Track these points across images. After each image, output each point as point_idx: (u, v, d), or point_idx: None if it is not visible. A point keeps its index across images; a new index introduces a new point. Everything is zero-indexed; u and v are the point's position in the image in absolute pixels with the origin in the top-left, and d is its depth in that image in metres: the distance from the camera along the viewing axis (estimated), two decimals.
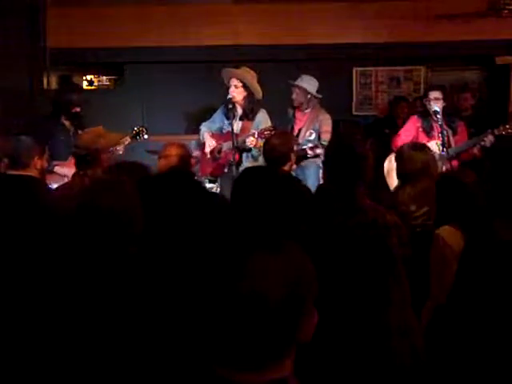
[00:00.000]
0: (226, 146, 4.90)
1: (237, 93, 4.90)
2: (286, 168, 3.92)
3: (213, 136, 5.12)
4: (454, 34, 6.69)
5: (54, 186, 5.03)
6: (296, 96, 5.40)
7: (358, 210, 2.09)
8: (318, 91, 5.53)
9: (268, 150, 3.95)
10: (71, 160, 5.29)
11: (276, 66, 6.92)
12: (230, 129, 4.86)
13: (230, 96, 4.88)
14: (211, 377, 1.11)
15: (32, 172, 3.39)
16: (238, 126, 4.96)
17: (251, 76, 5.01)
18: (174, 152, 3.85)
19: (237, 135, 4.85)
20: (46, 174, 4.79)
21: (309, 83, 5.53)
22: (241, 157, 4.95)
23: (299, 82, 5.49)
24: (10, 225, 2.93)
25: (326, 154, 3.05)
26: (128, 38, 6.74)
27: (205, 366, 1.12)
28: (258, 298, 1.07)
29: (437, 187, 2.91)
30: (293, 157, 4.01)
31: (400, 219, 2.71)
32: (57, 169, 5.20)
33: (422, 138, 5.10)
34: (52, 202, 3.29)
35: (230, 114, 4.89)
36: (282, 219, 2.09)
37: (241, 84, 4.90)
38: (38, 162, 3.42)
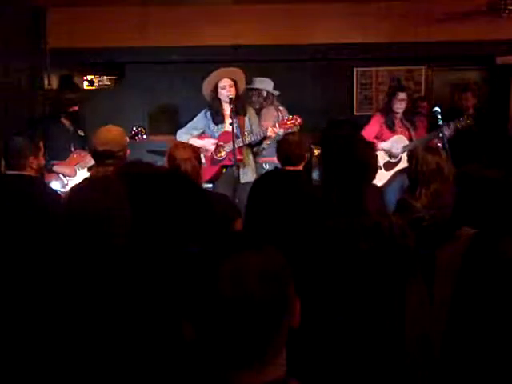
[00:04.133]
0: (229, 146, 4.87)
1: (232, 92, 4.94)
2: (300, 167, 3.91)
3: (204, 137, 5.10)
4: (454, 33, 6.67)
5: (54, 183, 5.05)
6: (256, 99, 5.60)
7: (361, 212, 2.08)
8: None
9: (284, 149, 3.93)
10: (71, 159, 5.31)
11: (276, 66, 6.92)
12: (222, 131, 4.91)
13: (230, 96, 4.89)
14: (208, 377, 1.11)
15: (28, 172, 3.39)
16: (234, 124, 4.97)
17: (239, 72, 5.07)
18: (180, 156, 3.80)
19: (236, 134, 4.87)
20: (45, 174, 4.79)
21: (261, 84, 5.69)
22: (243, 155, 4.96)
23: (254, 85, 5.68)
24: (6, 223, 2.95)
25: (329, 155, 3.03)
26: (128, 38, 6.73)
27: (200, 367, 1.12)
28: (240, 297, 1.08)
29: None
30: (306, 156, 4.03)
31: (412, 225, 2.69)
32: (56, 168, 5.20)
33: (386, 134, 5.52)
34: (50, 200, 3.29)
35: (218, 118, 4.96)
36: (294, 222, 2.10)
37: (233, 83, 4.95)
38: (34, 162, 3.42)
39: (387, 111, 5.54)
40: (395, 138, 5.43)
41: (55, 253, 1.94)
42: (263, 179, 2.39)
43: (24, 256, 2.38)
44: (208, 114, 5.07)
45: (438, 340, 2.07)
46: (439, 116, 5.16)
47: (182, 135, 5.17)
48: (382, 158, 5.47)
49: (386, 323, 1.86)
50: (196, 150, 3.73)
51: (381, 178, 5.41)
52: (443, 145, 5.03)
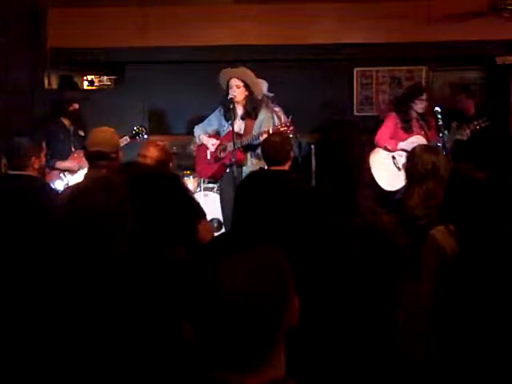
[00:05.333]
0: (231, 146, 4.87)
1: (238, 93, 4.89)
2: (286, 167, 3.91)
3: (211, 137, 5.12)
4: (454, 34, 6.68)
5: (57, 183, 5.06)
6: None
7: (354, 212, 2.09)
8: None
9: (268, 149, 3.94)
10: (72, 157, 5.31)
11: (276, 66, 6.92)
12: (228, 130, 4.88)
13: (231, 96, 4.87)
14: (205, 380, 1.11)
15: (30, 172, 3.42)
16: (240, 125, 4.96)
17: (252, 75, 5.02)
18: (150, 153, 3.87)
19: (240, 135, 4.86)
20: (47, 173, 4.81)
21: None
22: (245, 156, 4.96)
23: None
24: (8, 223, 2.95)
25: (324, 158, 3.05)
26: (128, 38, 6.75)
27: (199, 368, 1.12)
28: (238, 295, 1.07)
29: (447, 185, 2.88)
30: (292, 155, 4.02)
31: (406, 224, 2.69)
32: (58, 164, 5.20)
33: (401, 135, 5.46)
34: (51, 200, 3.29)
35: (229, 115, 4.90)
36: (285, 223, 2.10)
37: (242, 84, 4.90)
38: (36, 162, 3.45)
39: (404, 111, 5.50)
40: (413, 138, 5.37)
41: (56, 252, 1.94)
42: (248, 180, 2.40)
43: (25, 255, 2.39)
44: (222, 110, 5.06)
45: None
46: (439, 116, 5.17)
47: (198, 130, 5.20)
48: (400, 161, 5.41)
49: (381, 321, 1.87)
50: (163, 151, 3.81)
51: (402, 179, 5.33)
52: (443, 145, 5.03)
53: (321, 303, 1.86)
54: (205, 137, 5.08)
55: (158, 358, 1.69)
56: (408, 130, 5.46)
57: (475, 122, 5.34)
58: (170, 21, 6.80)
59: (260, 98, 5.10)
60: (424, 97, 5.45)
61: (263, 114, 5.00)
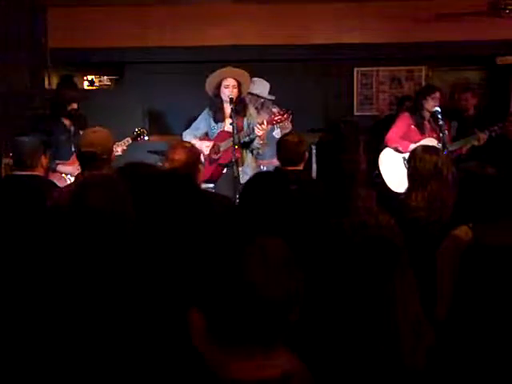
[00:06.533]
0: (225, 145, 4.89)
1: (234, 92, 4.93)
2: (301, 167, 3.89)
3: (202, 139, 5.11)
4: (455, 33, 6.69)
5: (58, 184, 5.04)
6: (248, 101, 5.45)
7: (349, 211, 2.11)
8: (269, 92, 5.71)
9: (284, 149, 3.92)
10: (74, 159, 5.29)
11: (276, 66, 6.92)
12: (219, 131, 4.94)
13: (230, 96, 4.88)
14: (209, 374, 1.11)
15: (39, 171, 3.38)
16: (233, 124, 4.97)
17: (246, 74, 5.07)
18: (177, 157, 3.78)
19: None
20: (49, 173, 4.79)
21: (259, 88, 5.65)
22: (242, 154, 4.96)
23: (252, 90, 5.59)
24: (20, 225, 2.94)
25: (319, 156, 3.06)
26: (128, 38, 6.75)
27: (202, 364, 1.12)
28: (266, 281, 1.09)
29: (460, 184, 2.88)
30: (306, 156, 4.00)
31: (409, 225, 2.69)
32: (60, 167, 5.19)
33: (415, 135, 5.38)
34: (59, 201, 3.28)
35: (219, 116, 4.95)
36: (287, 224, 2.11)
37: (237, 83, 4.94)
38: (45, 161, 3.42)
39: (417, 111, 5.45)
40: (426, 140, 5.23)
41: (64, 251, 1.95)
42: (261, 179, 2.39)
43: (28, 257, 2.39)
44: (210, 112, 5.07)
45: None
46: (439, 116, 5.16)
47: (187, 136, 5.18)
48: None
49: (378, 320, 1.88)
50: (191, 152, 3.73)
51: None
52: (443, 145, 5.02)
53: (316, 303, 1.87)
54: (197, 141, 5.06)
55: (161, 354, 1.69)
56: (421, 131, 5.39)
57: (491, 129, 5.29)
58: (170, 21, 6.80)
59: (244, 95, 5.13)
60: (436, 95, 5.37)
61: (250, 110, 5.06)
